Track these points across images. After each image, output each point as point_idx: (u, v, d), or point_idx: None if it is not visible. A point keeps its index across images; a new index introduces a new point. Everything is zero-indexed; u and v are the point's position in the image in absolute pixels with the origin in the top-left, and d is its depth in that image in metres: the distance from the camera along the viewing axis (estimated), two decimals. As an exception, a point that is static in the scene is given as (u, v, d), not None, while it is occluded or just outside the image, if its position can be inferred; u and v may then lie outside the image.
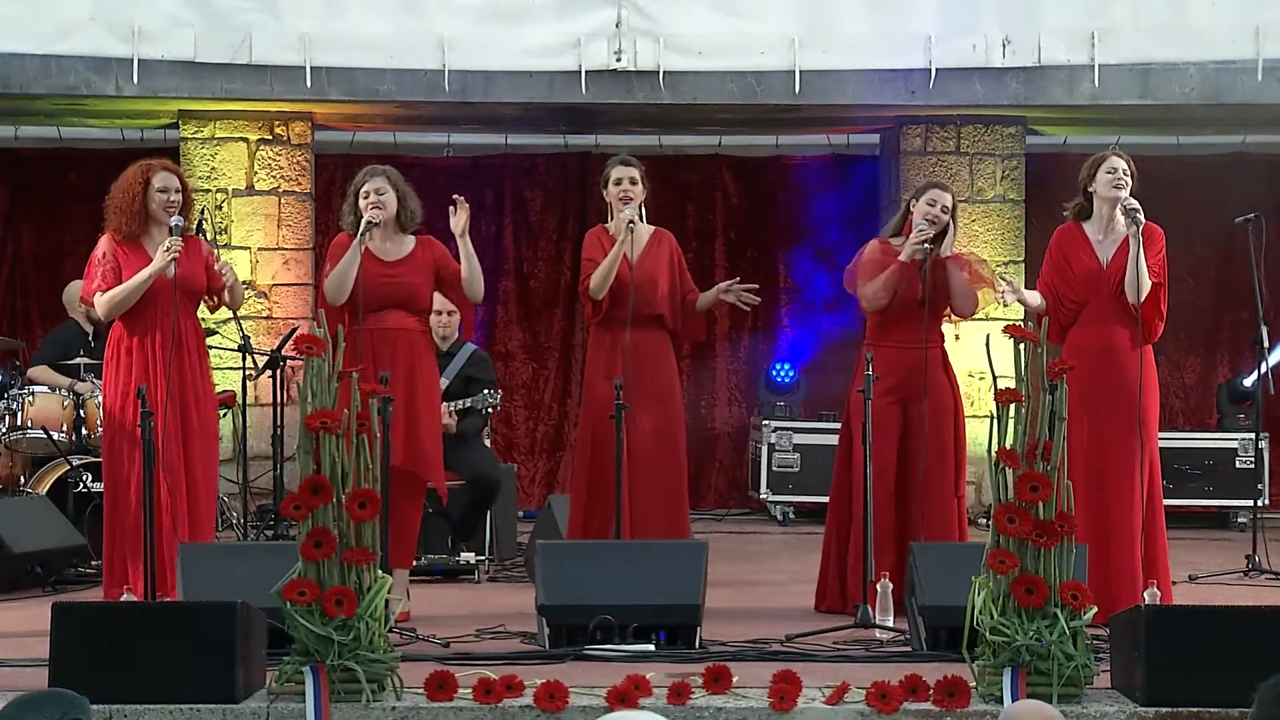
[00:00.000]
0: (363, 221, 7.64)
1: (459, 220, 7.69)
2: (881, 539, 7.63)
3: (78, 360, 9.80)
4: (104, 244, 7.76)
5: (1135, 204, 7.64)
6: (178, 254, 7.56)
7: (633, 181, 8.00)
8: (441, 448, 7.87)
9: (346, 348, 6.21)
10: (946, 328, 8.17)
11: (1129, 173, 7.73)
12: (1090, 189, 7.80)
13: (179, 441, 7.60)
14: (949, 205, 7.99)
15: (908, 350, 7.88)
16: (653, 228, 8.14)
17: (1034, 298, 7.79)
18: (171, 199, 7.71)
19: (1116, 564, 7.50)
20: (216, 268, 7.75)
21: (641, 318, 7.96)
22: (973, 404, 11.68)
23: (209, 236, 7.78)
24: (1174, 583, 8.30)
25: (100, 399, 9.33)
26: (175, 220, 7.64)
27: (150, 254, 7.67)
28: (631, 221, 7.86)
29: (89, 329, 10.14)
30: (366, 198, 7.71)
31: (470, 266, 7.73)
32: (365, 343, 7.58)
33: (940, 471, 7.89)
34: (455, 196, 7.72)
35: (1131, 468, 7.60)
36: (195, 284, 7.78)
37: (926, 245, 7.84)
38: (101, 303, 7.72)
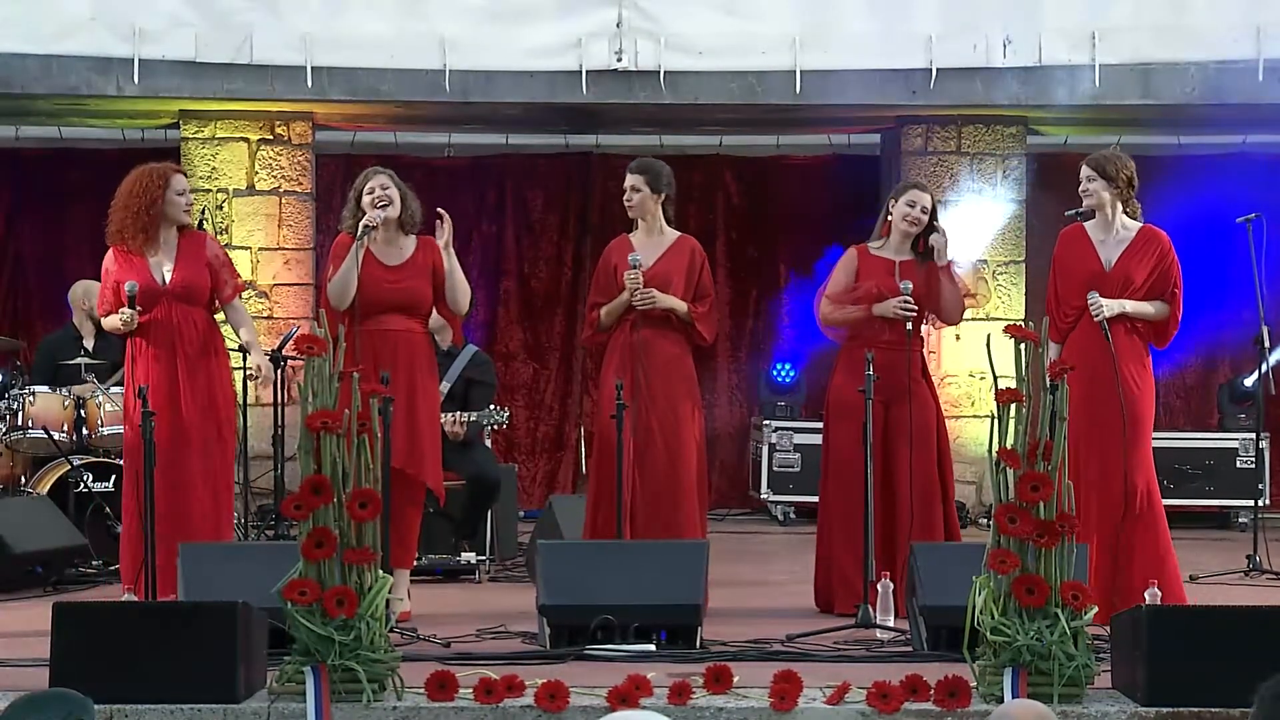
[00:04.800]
0: (361, 224, 7.65)
1: (442, 233, 7.72)
2: (864, 536, 7.64)
3: (78, 360, 9.80)
4: (107, 261, 7.89)
5: (1102, 309, 7.66)
6: (130, 326, 7.71)
7: (634, 190, 8.11)
8: (440, 450, 7.88)
9: (346, 349, 6.22)
10: (947, 329, 8.18)
11: (1094, 177, 7.72)
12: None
13: (204, 442, 7.68)
14: (928, 206, 8.05)
15: (890, 352, 7.88)
16: (677, 234, 8.17)
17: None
18: (188, 201, 7.89)
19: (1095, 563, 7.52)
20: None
21: (649, 316, 7.97)
22: (973, 404, 11.70)
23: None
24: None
25: (100, 399, 9.37)
26: (129, 284, 7.73)
27: (150, 264, 7.79)
28: (635, 292, 7.89)
29: (89, 331, 10.14)
30: (371, 194, 7.72)
31: (453, 280, 7.76)
32: (365, 345, 7.58)
33: (927, 474, 7.89)
34: (440, 211, 7.76)
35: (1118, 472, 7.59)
36: (199, 288, 7.83)
37: (909, 318, 7.87)
38: (101, 322, 8.10)
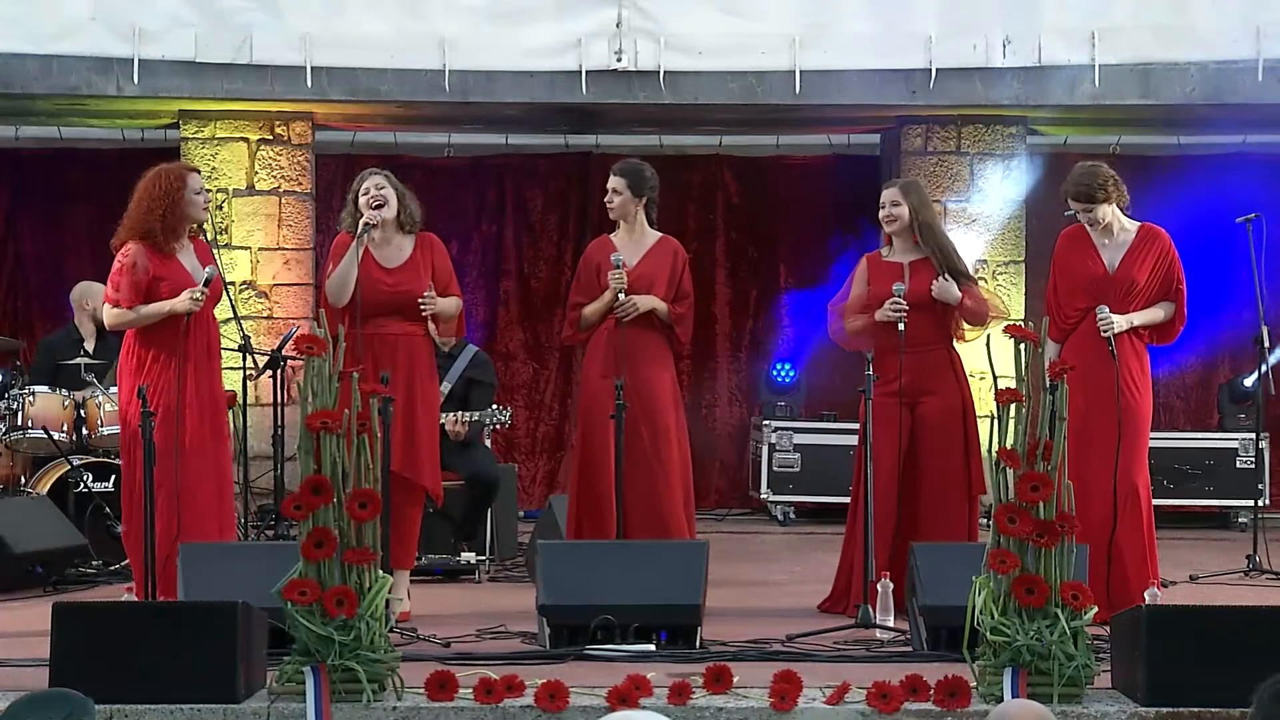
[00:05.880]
0: (360, 223, 7.66)
1: (429, 306, 7.74)
2: (885, 539, 7.63)
3: (79, 360, 9.80)
4: (135, 253, 7.60)
5: (1113, 324, 7.64)
6: (199, 306, 7.54)
7: (615, 191, 8.11)
8: (438, 454, 7.88)
9: (346, 352, 6.21)
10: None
11: (1090, 209, 7.70)
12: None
13: (210, 444, 7.63)
14: (897, 199, 8.02)
15: (910, 354, 7.86)
16: (659, 234, 8.17)
17: (1155, 313, 7.79)
18: (206, 199, 7.76)
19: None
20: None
21: (634, 319, 7.98)
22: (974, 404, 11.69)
23: (209, 237, 7.75)
24: (1173, 583, 8.32)
25: (100, 399, 9.37)
26: (209, 270, 7.62)
27: (184, 263, 7.65)
28: (620, 291, 7.91)
29: (89, 331, 10.13)
30: (366, 194, 7.73)
31: (440, 320, 7.82)
32: (365, 348, 7.57)
33: (946, 472, 7.88)
34: (429, 291, 7.73)
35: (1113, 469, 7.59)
36: (219, 290, 7.80)
37: (902, 317, 7.83)
38: (113, 316, 7.68)
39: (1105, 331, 7.62)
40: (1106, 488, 7.53)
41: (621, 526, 7.75)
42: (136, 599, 7.37)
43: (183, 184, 7.67)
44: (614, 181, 8.12)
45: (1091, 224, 7.73)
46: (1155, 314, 7.75)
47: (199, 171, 7.92)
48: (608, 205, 8.15)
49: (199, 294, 7.53)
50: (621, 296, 7.93)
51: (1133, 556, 7.58)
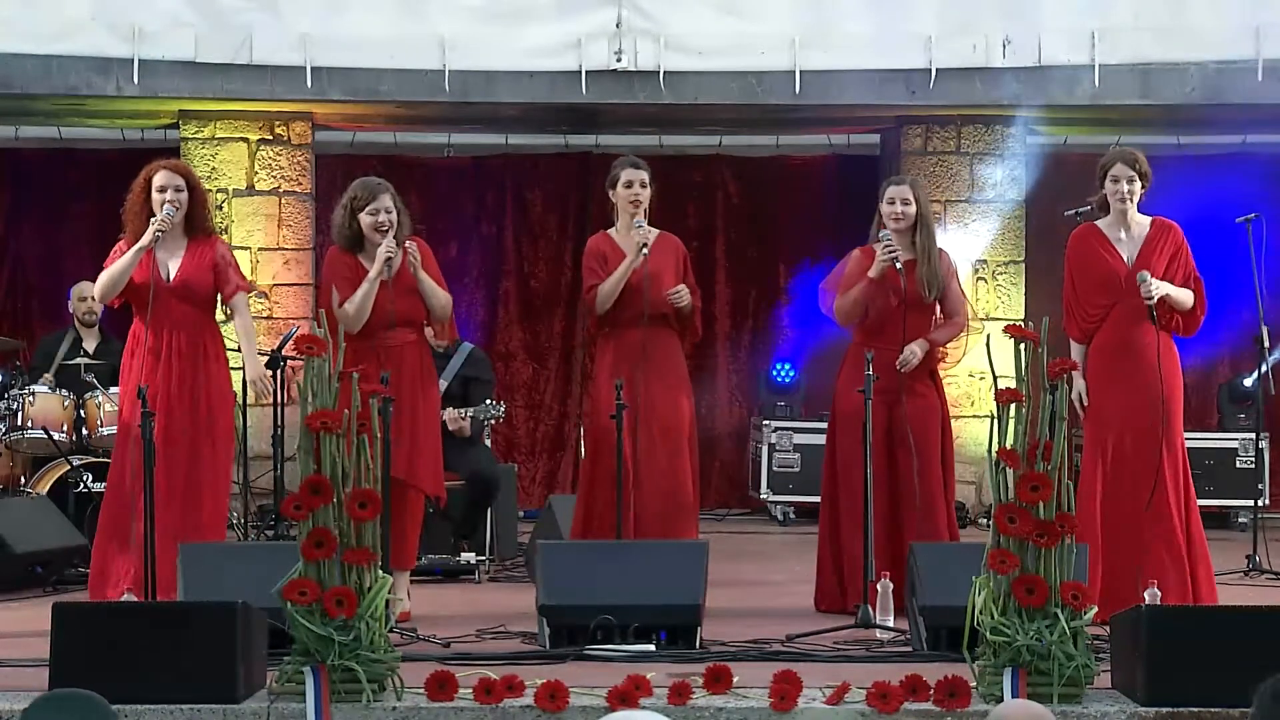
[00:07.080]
0: (382, 258, 7.59)
1: (413, 257, 7.68)
2: (876, 537, 7.63)
3: (79, 360, 9.81)
4: (119, 247, 7.74)
5: (1152, 289, 7.65)
6: (162, 230, 7.54)
7: (643, 185, 8.05)
8: (442, 462, 7.87)
9: (346, 360, 6.19)
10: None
11: (1135, 178, 7.71)
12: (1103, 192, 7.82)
13: (186, 444, 7.58)
14: (908, 197, 8.02)
15: (891, 352, 7.88)
16: (657, 230, 8.14)
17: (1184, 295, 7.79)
18: (169, 196, 7.66)
19: (1155, 563, 7.53)
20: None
21: (651, 317, 7.97)
22: (973, 404, 11.70)
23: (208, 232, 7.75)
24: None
25: (100, 400, 9.38)
26: (167, 208, 7.61)
27: (157, 254, 7.63)
28: (644, 246, 7.86)
29: (89, 332, 10.13)
30: (374, 215, 7.66)
31: (426, 294, 7.73)
32: (364, 358, 7.54)
33: (925, 472, 7.89)
34: (408, 243, 7.70)
35: (1163, 465, 7.64)
36: (200, 286, 7.74)
37: (895, 257, 7.84)
38: (95, 287, 7.85)
39: (1148, 297, 7.61)
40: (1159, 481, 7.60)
41: (631, 529, 7.75)
42: (136, 599, 7.36)
43: (146, 179, 7.68)
44: (642, 175, 8.02)
45: (1125, 198, 7.69)
46: (1187, 294, 7.76)
47: (173, 169, 7.81)
48: (635, 200, 8.02)
49: (167, 212, 7.56)
50: (645, 251, 7.86)
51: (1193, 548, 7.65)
